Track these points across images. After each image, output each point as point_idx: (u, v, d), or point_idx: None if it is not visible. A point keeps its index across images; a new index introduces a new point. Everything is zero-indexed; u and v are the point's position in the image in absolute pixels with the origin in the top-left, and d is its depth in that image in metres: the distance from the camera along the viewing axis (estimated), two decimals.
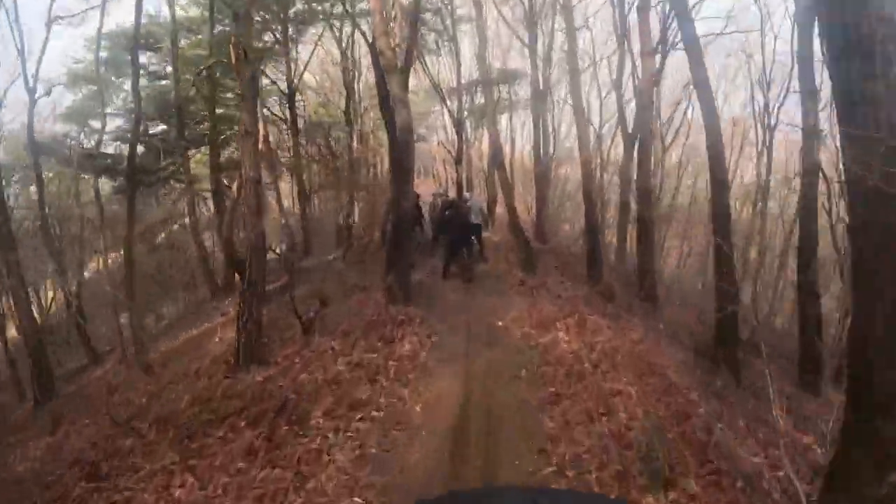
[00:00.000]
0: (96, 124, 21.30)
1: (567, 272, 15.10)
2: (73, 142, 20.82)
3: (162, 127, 22.34)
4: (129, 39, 18.71)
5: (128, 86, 20.45)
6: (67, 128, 22.08)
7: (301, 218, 21.53)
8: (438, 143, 31.83)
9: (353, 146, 19.67)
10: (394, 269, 11.43)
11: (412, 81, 35.12)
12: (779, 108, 23.51)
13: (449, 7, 20.58)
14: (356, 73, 21.75)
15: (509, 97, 22.80)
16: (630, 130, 21.43)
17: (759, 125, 28.03)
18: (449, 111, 22.29)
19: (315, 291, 14.08)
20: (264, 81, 22.28)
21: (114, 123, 21.50)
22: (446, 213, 14.48)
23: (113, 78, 20.81)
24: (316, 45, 21.55)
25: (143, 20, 19.95)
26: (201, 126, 21.69)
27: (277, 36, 19.78)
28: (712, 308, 18.41)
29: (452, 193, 23.63)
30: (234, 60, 13.67)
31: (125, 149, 22.10)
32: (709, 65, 12.25)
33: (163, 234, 24.53)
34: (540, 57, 20.53)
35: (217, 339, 13.46)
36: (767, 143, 24.37)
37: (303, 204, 21.40)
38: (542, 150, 21.14)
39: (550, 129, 23.57)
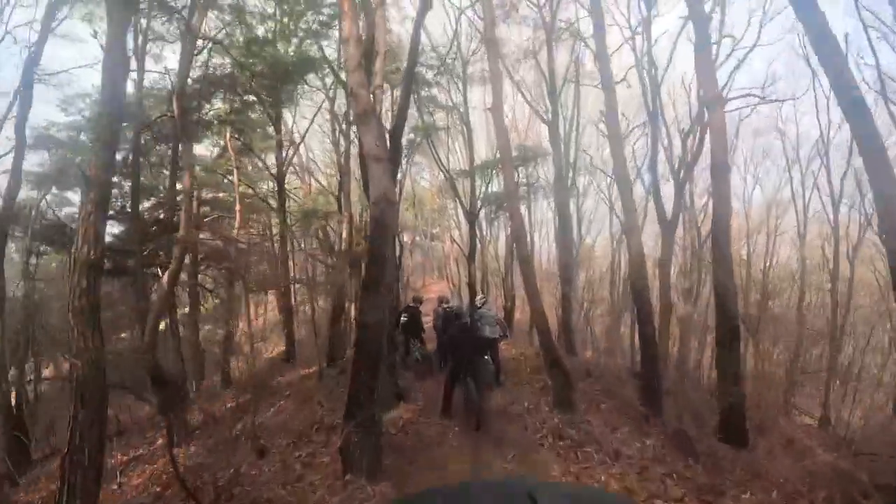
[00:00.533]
0: (71, 195, 17.87)
1: (614, 404, 10.01)
2: (29, 210, 16.46)
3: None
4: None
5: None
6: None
7: (285, 321, 16.86)
8: (451, 241, 27.63)
9: (343, 236, 15.18)
10: (355, 418, 6.50)
11: (426, 175, 31.78)
12: (842, 181, 19.29)
13: (460, 73, 16.64)
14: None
15: (527, 184, 18.37)
16: (669, 217, 17.00)
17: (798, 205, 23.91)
18: (461, 202, 17.93)
19: (257, 429, 9.23)
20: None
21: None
22: (452, 326, 9.68)
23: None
24: (312, 121, 17.65)
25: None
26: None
27: (270, 111, 15.82)
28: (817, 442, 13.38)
29: (465, 293, 19.05)
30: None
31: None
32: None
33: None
34: (562, 138, 16.46)
35: (115, 487, 8.78)
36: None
37: (287, 304, 16.75)
38: (565, 244, 16.53)
39: (574, 220, 19.18)
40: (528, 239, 9.78)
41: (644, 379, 10.12)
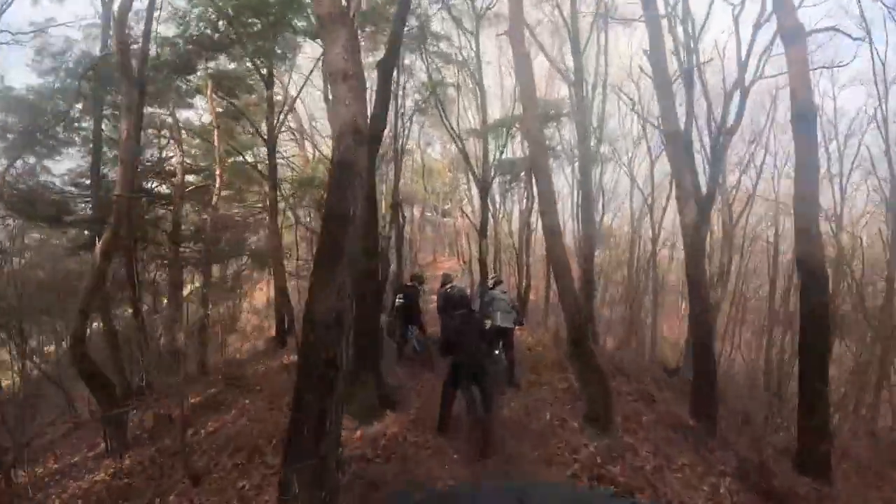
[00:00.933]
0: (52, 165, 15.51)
1: (656, 415, 7.49)
2: None
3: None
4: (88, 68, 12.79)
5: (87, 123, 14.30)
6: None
7: (277, 300, 14.50)
8: (462, 214, 24.95)
9: None
10: (297, 460, 4.08)
11: (437, 148, 28.98)
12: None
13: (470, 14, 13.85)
14: None
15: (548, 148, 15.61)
16: (705, 190, 14.21)
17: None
18: (472, 170, 15.27)
19: (205, 441, 6.97)
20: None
21: (65, 164, 15.48)
22: (452, 316, 7.03)
23: (73, 113, 14.07)
24: (308, 77, 15.09)
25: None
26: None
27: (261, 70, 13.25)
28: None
29: (477, 271, 16.55)
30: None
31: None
32: None
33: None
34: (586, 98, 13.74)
35: None
36: None
37: (280, 281, 14.37)
38: (588, 216, 13.85)
39: (597, 189, 16.49)
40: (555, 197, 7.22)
41: (698, 385, 7.58)
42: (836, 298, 18.62)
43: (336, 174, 4.56)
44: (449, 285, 9.66)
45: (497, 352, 8.41)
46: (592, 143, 15.40)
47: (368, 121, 5.74)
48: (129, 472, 6.89)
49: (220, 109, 14.38)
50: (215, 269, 18.76)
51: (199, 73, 13.45)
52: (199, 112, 17.25)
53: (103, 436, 7.70)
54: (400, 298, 10.23)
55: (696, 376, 7.71)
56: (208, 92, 13.21)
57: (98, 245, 7.60)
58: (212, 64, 13.44)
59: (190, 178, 16.59)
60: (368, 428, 6.62)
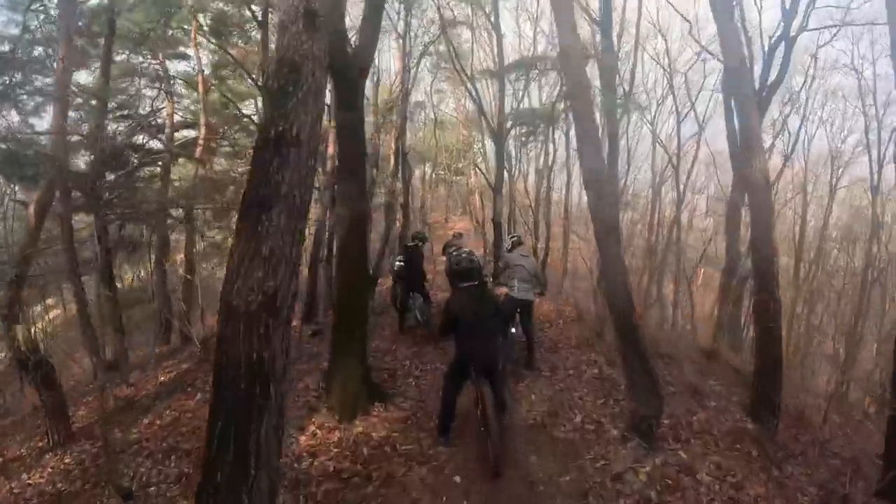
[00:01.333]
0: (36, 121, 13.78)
1: (708, 415, 5.81)
2: None
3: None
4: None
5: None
6: None
7: None
8: (475, 170, 22.91)
9: (330, 152, 10.78)
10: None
11: (450, 104, 26.63)
12: None
13: None
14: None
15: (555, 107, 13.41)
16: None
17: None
18: (486, 120, 13.23)
19: (157, 437, 5.54)
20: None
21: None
22: (456, 293, 5.28)
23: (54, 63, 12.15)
24: None
25: None
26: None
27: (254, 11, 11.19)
28: None
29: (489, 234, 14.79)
30: None
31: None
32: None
33: None
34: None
35: None
36: None
37: None
38: (612, 172, 11.94)
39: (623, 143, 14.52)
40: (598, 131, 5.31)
41: (761, 383, 5.87)
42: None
43: (276, 78, 2.83)
44: (454, 248, 7.90)
45: (513, 330, 6.81)
46: (620, 94, 13.39)
47: (355, 44, 3.95)
48: (66, 473, 5.45)
49: (207, 53, 12.59)
50: (217, 230, 17.23)
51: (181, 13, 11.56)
52: (194, 64, 15.44)
53: (47, 427, 6.21)
54: (400, 261, 8.59)
55: (758, 369, 6.02)
56: (192, 33, 11.38)
57: (31, 205, 6.00)
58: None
59: (190, 133, 14.99)
60: (349, 429, 5.09)
